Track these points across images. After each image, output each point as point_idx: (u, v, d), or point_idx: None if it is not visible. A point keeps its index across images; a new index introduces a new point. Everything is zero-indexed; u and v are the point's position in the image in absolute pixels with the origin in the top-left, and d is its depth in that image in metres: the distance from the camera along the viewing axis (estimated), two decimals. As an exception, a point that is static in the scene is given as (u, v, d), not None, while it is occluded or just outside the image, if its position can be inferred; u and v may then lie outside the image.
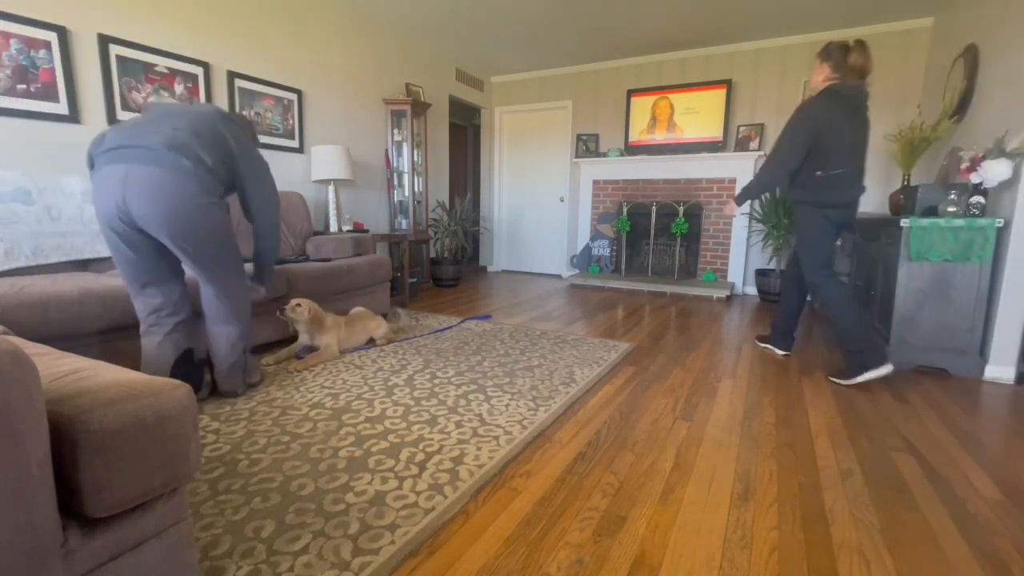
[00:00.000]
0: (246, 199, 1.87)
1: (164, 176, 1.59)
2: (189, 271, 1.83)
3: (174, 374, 1.81)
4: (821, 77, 2.26)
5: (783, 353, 2.72)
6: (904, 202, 2.93)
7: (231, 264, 1.84)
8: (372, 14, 4.06)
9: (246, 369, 1.98)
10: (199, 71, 2.96)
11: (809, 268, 2.37)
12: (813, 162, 2.25)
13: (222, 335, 1.88)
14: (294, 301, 2.35)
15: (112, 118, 2.59)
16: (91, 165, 1.69)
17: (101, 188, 1.60)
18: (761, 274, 4.38)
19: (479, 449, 1.56)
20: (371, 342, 2.70)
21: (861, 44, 2.17)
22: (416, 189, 4.45)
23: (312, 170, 3.59)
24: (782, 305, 2.68)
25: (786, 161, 2.28)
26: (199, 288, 1.87)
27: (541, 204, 6.01)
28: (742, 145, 4.66)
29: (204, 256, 1.73)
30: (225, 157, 1.74)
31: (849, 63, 2.18)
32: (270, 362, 2.32)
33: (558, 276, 5.81)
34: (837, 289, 2.31)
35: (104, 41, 2.53)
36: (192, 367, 1.88)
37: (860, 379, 2.23)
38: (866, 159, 2.28)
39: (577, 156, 5.49)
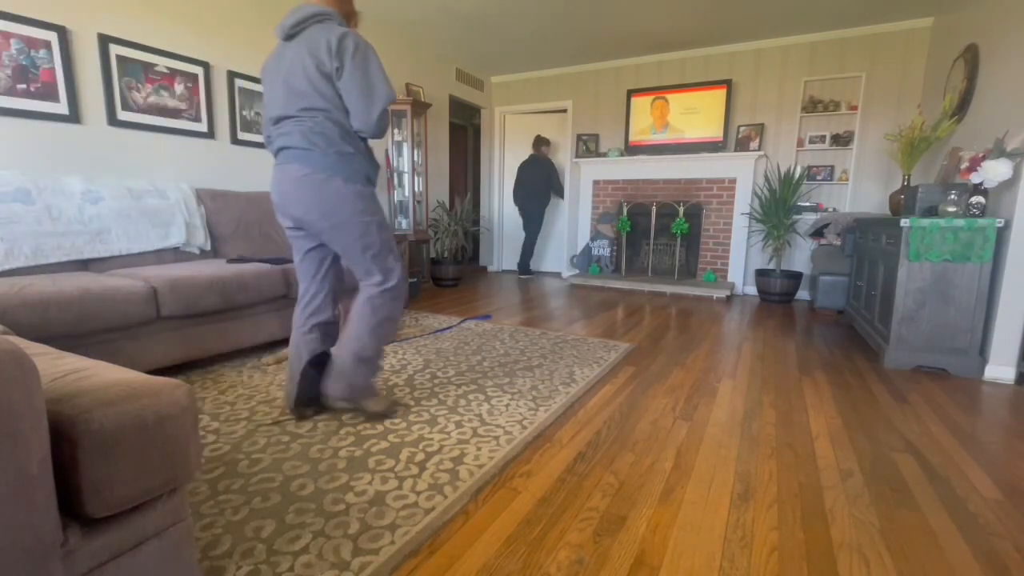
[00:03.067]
0: None
1: None
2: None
3: (306, 376, 1.71)
4: None
5: None
6: (904, 202, 2.93)
7: None
8: (372, 14, 4.05)
9: (351, 381, 1.71)
10: (199, 71, 2.96)
11: None
12: None
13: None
14: None
15: (112, 118, 2.59)
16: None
17: None
18: (761, 274, 4.38)
19: (479, 449, 1.56)
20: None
21: None
22: (416, 189, 4.45)
23: (312, 170, 3.58)
24: None
25: None
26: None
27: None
28: (742, 145, 4.66)
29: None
30: None
31: None
32: (270, 362, 2.32)
33: (558, 276, 5.81)
34: None
35: (104, 41, 2.53)
36: (319, 372, 1.75)
37: None
38: None
39: (577, 156, 5.49)
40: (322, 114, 1.53)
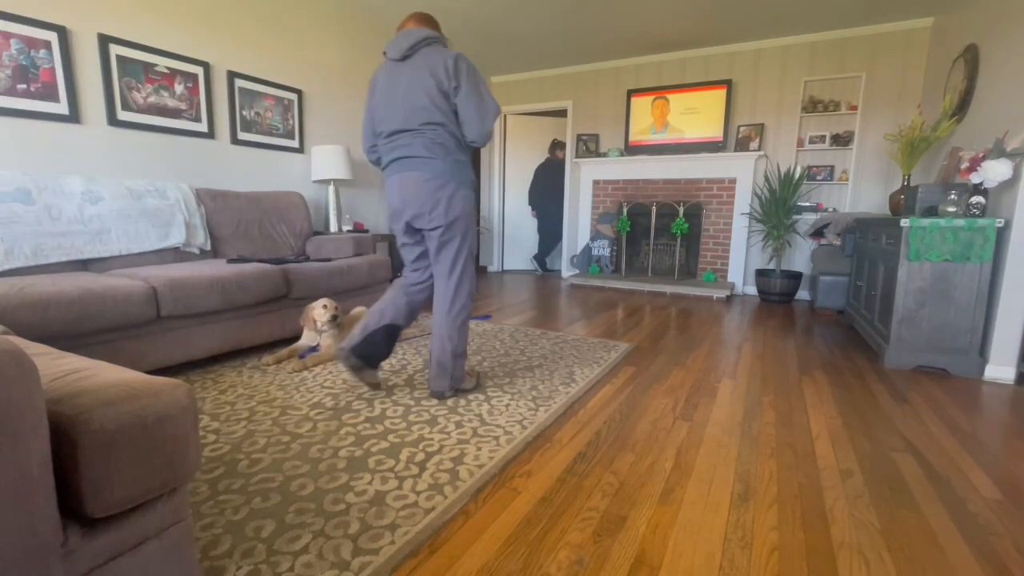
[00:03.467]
0: None
1: None
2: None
3: (369, 338, 1.90)
4: None
5: None
6: (904, 202, 2.93)
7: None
8: (372, 14, 4.05)
9: (453, 374, 1.92)
10: (199, 71, 2.96)
11: None
12: None
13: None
14: (327, 306, 2.41)
15: (112, 118, 2.59)
16: None
17: None
18: (761, 274, 4.38)
19: (479, 449, 1.56)
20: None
21: None
22: (416, 189, 4.45)
23: (312, 170, 3.59)
24: None
25: None
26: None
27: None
28: (742, 145, 4.66)
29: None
30: None
31: None
32: (270, 362, 2.32)
33: (558, 276, 5.81)
34: None
35: (104, 41, 2.54)
36: (385, 342, 1.94)
37: None
38: None
39: (577, 156, 5.49)
40: (441, 127, 1.74)
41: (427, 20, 1.85)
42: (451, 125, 1.76)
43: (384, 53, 1.82)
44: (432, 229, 1.81)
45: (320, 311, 2.39)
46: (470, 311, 1.95)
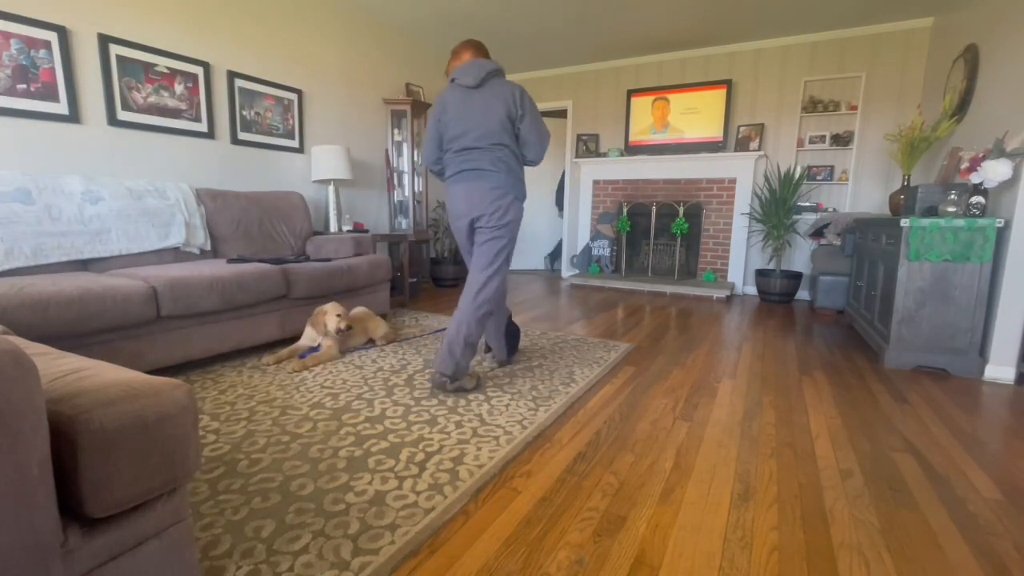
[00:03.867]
0: None
1: None
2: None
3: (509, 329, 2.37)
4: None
5: None
6: (904, 202, 2.93)
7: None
8: (372, 14, 4.06)
9: (459, 363, 2.00)
10: (199, 71, 2.96)
11: None
12: None
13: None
14: (339, 312, 2.44)
15: (112, 118, 2.59)
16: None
17: None
18: (761, 274, 4.38)
19: (479, 449, 1.56)
20: (371, 342, 2.70)
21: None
22: (416, 189, 4.45)
23: (312, 170, 3.59)
24: None
25: None
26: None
27: (541, 203, 6.02)
28: (742, 145, 4.66)
29: None
30: None
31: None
32: (270, 362, 2.33)
33: (558, 276, 5.81)
34: None
35: (104, 41, 2.53)
36: (507, 335, 2.36)
37: None
38: None
39: (577, 156, 5.49)
40: (506, 148, 2.04)
41: (485, 50, 2.19)
42: (513, 146, 2.06)
43: (452, 79, 2.09)
44: (487, 227, 2.07)
45: (334, 319, 2.41)
46: (493, 308, 2.10)
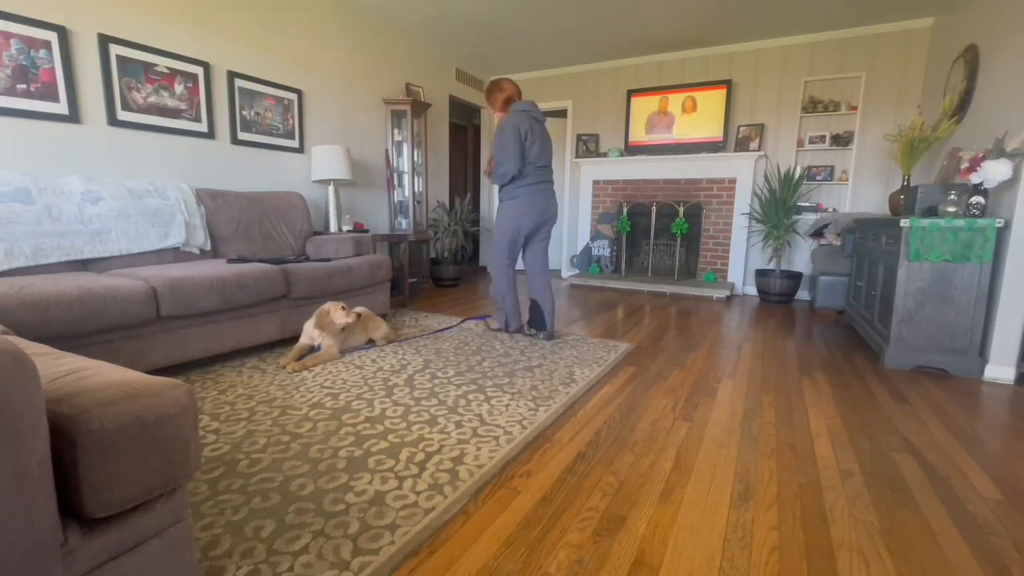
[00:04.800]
0: None
1: None
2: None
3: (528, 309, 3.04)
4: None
5: None
6: (904, 202, 2.93)
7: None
8: (372, 14, 4.06)
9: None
10: (199, 71, 2.96)
11: None
12: None
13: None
14: (341, 308, 2.45)
15: (112, 118, 2.59)
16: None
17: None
18: (761, 274, 4.38)
19: (479, 449, 1.56)
20: (371, 342, 2.70)
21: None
22: (416, 189, 4.45)
23: (312, 170, 3.59)
24: None
25: None
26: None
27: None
28: (742, 145, 4.66)
29: None
30: None
31: None
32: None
33: (558, 276, 5.81)
34: None
35: (104, 41, 2.53)
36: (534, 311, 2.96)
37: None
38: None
39: (577, 156, 5.49)
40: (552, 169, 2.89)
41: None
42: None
43: (526, 111, 2.70)
44: (550, 229, 2.91)
45: (340, 313, 2.42)
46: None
